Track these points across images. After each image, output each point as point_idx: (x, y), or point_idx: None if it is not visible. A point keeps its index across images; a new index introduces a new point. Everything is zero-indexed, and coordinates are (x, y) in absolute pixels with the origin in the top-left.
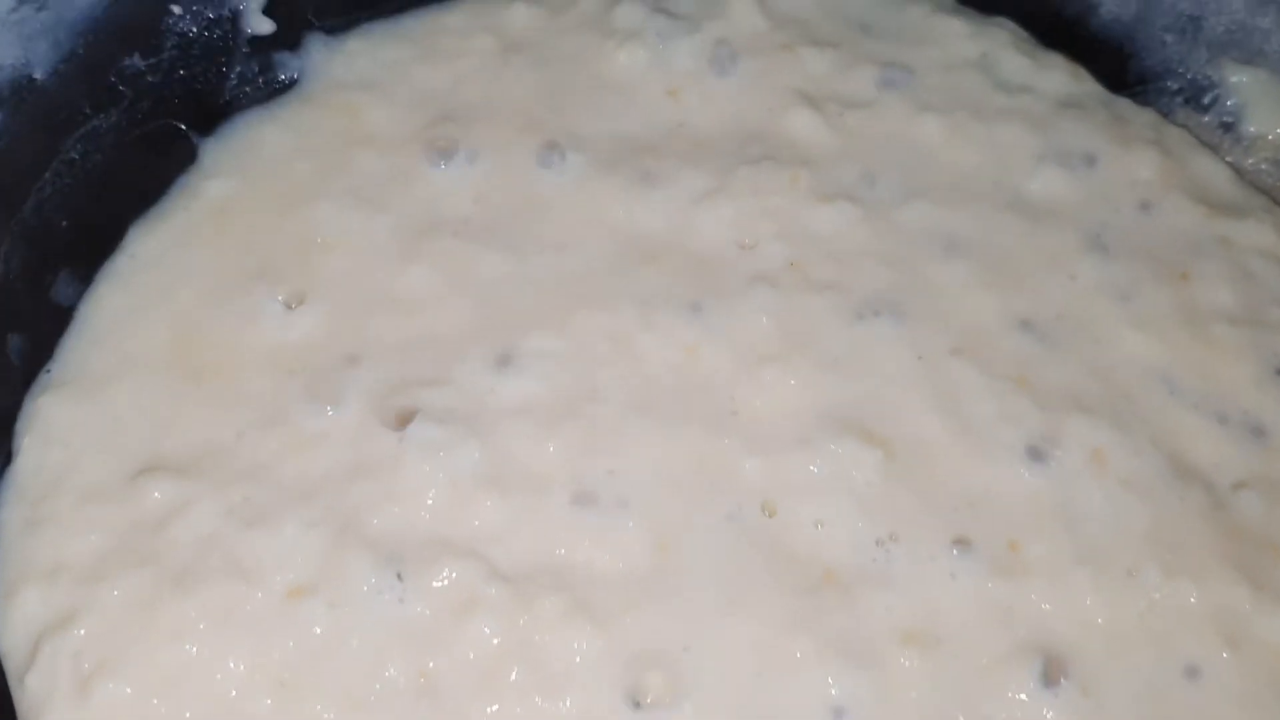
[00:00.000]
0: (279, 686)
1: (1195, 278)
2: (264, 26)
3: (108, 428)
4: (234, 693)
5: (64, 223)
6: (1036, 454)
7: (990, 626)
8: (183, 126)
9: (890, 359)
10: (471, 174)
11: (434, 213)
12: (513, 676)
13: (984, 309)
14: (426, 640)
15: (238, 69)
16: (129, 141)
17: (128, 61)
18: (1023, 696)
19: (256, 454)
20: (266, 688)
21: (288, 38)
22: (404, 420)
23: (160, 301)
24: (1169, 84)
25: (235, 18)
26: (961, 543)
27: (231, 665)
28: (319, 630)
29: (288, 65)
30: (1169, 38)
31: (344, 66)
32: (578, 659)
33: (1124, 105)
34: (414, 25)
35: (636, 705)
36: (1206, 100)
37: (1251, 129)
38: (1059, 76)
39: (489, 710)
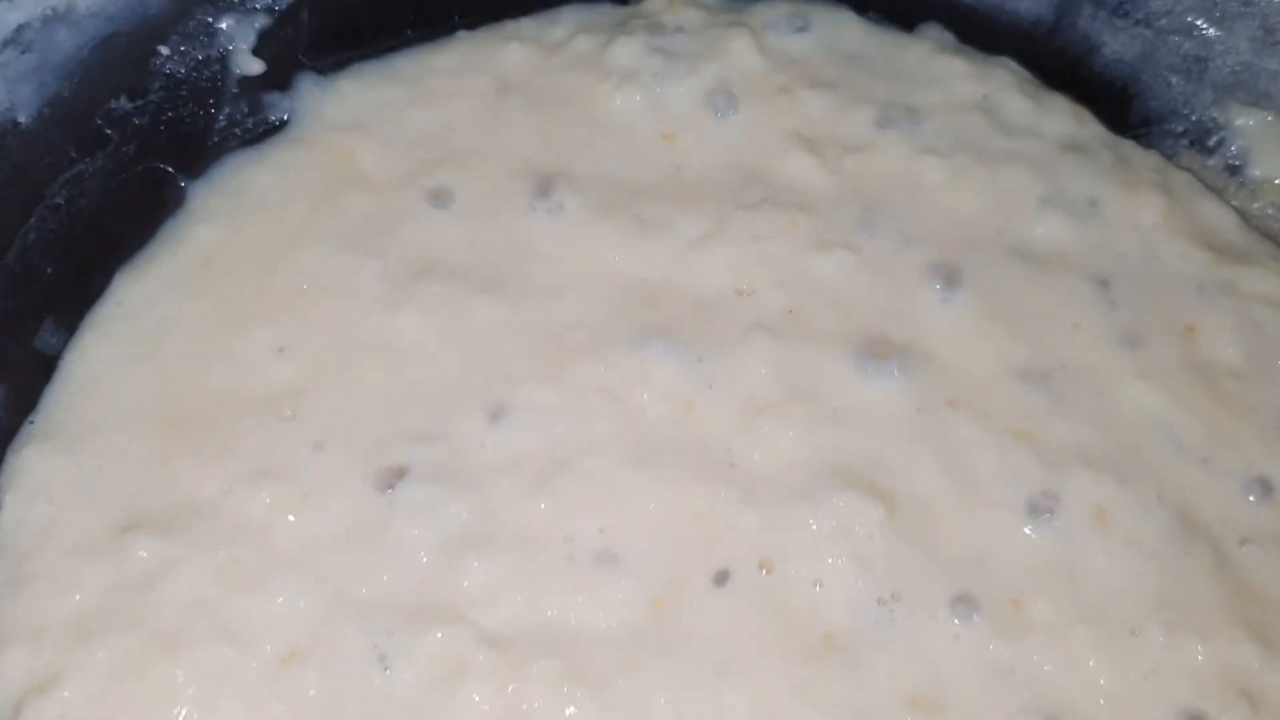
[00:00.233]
0: None
1: (1201, 327)
2: (254, 67)
3: (93, 482)
4: None
5: (48, 270)
6: (1038, 510)
7: (994, 690)
8: (170, 170)
9: (890, 410)
10: (464, 217)
11: (426, 257)
12: None
13: (985, 359)
14: (417, 709)
15: (227, 110)
16: (115, 186)
17: (114, 104)
18: None
19: (244, 512)
20: None
21: (278, 78)
22: (393, 478)
23: (147, 351)
24: (1173, 126)
25: (224, 58)
26: (964, 601)
27: None
28: (313, 694)
29: (278, 106)
30: (1174, 79)
31: (335, 107)
32: None
33: (1128, 148)
34: (406, 65)
35: None
36: (1212, 143)
37: (1257, 172)
38: (1062, 118)
39: None
